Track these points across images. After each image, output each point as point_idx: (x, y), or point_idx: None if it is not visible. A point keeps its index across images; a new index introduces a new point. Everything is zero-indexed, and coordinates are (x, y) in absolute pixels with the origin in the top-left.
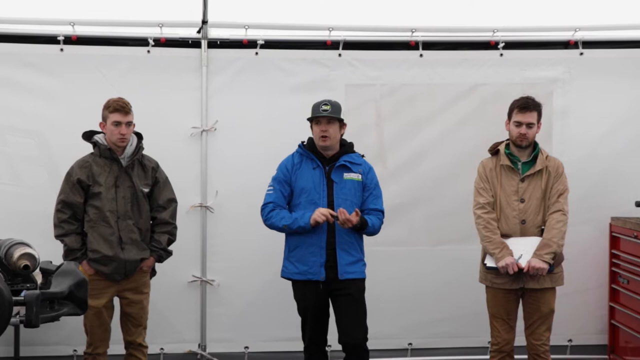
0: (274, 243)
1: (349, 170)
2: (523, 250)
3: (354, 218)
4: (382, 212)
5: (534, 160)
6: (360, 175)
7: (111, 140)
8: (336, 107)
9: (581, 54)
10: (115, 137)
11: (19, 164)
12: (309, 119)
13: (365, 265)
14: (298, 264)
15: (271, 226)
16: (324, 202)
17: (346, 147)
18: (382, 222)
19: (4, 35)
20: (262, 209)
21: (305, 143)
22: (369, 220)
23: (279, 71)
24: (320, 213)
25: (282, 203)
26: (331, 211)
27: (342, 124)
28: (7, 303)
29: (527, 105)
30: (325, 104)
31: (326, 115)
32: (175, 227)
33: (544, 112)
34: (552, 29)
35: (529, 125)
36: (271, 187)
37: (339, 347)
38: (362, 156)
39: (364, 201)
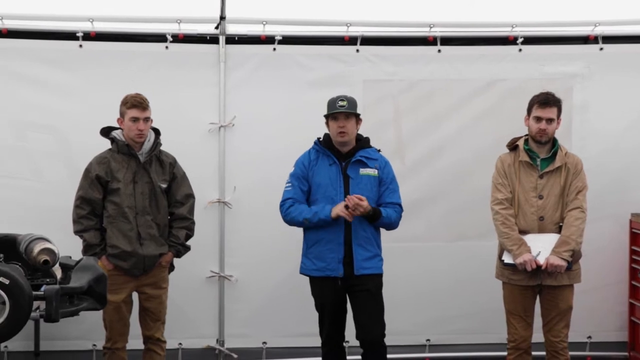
0: (291, 239)
1: (365, 165)
2: (541, 247)
3: (364, 202)
4: (400, 205)
5: (553, 156)
6: (376, 171)
7: (129, 136)
8: (352, 102)
9: (601, 49)
10: (133, 132)
11: (39, 160)
12: (325, 116)
13: (382, 261)
14: (316, 260)
15: (291, 221)
16: (341, 197)
17: (362, 142)
18: (400, 216)
19: (24, 31)
20: (281, 206)
21: (321, 139)
22: (383, 210)
23: (297, 67)
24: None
25: (300, 198)
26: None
27: (358, 119)
28: (27, 297)
29: (547, 101)
30: (342, 100)
31: (343, 110)
32: (193, 223)
33: (563, 107)
34: (571, 24)
35: (549, 121)
36: (289, 184)
37: (357, 342)
38: (379, 151)
39: (380, 195)
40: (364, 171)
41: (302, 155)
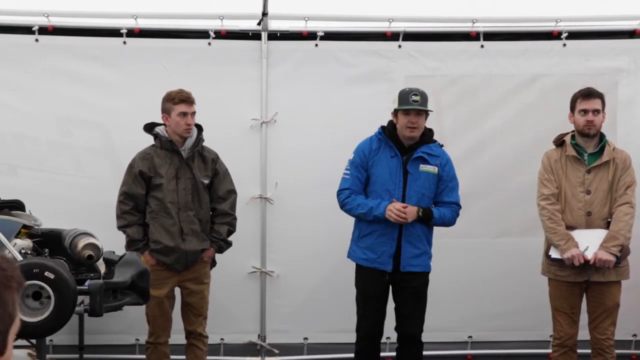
0: (333, 235)
1: (426, 162)
2: (589, 242)
3: (406, 215)
4: (457, 204)
5: (600, 151)
6: (436, 168)
7: (177, 132)
8: (425, 97)
9: None
10: (181, 128)
11: (83, 156)
12: (396, 109)
13: (430, 258)
14: (367, 251)
15: (347, 212)
16: (400, 192)
17: (426, 137)
18: (457, 214)
19: (69, 28)
20: (338, 195)
21: (385, 128)
22: (435, 211)
23: (339, 63)
24: (392, 212)
25: (358, 189)
26: (402, 208)
27: (427, 114)
28: (72, 292)
29: (590, 93)
30: (415, 94)
31: (417, 107)
32: (235, 218)
33: (608, 102)
34: (616, 19)
35: (595, 112)
36: (347, 172)
37: (393, 339)
38: (441, 146)
39: (439, 193)
40: (423, 168)
41: (362, 142)
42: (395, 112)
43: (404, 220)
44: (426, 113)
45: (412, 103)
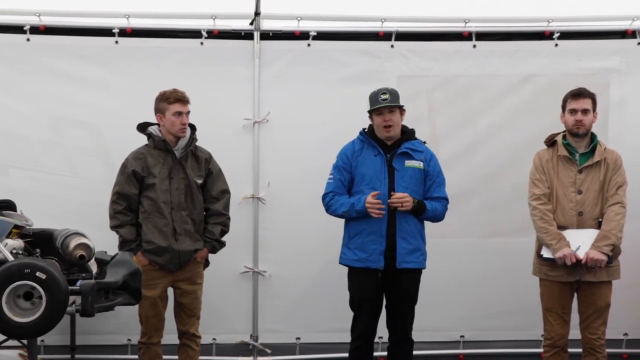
0: (325, 235)
1: (411, 157)
2: (581, 242)
3: (407, 201)
4: (446, 199)
5: (592, 151)
6: (421, 163)
7: (171, 131)
8: (394, 94)
9: (639, 43)
10: (177, 127)
11: (75, 156)
12: (369, 111)
13: (424, 255)
14: (357, 251)
15: (332, 214)
16: (385, 190)
17: (407, 134)
18: (446, 209)
19: (61, 28)
20: (323, 199)
21: (366, 130)
22: (427, 204)
23: (331, 62)
24: (370, 206)
25: (341, 191)
26: (378, 202)
27: (402, 110)
28: (64, 292)
29: (580, 92)
30: (384, 93)
31: (387, 104)
32: (228, 218)
33: (600, 103)
34: (608, 19)
35: (584, 112)
36: (331, 176)
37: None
38: (424, 143)
39: (427, 189)
40: (409, 163)
41: (345, 146)
42: (370, 115)
43: (379, 214)
44: (400, 109)
45: (382, 102)
